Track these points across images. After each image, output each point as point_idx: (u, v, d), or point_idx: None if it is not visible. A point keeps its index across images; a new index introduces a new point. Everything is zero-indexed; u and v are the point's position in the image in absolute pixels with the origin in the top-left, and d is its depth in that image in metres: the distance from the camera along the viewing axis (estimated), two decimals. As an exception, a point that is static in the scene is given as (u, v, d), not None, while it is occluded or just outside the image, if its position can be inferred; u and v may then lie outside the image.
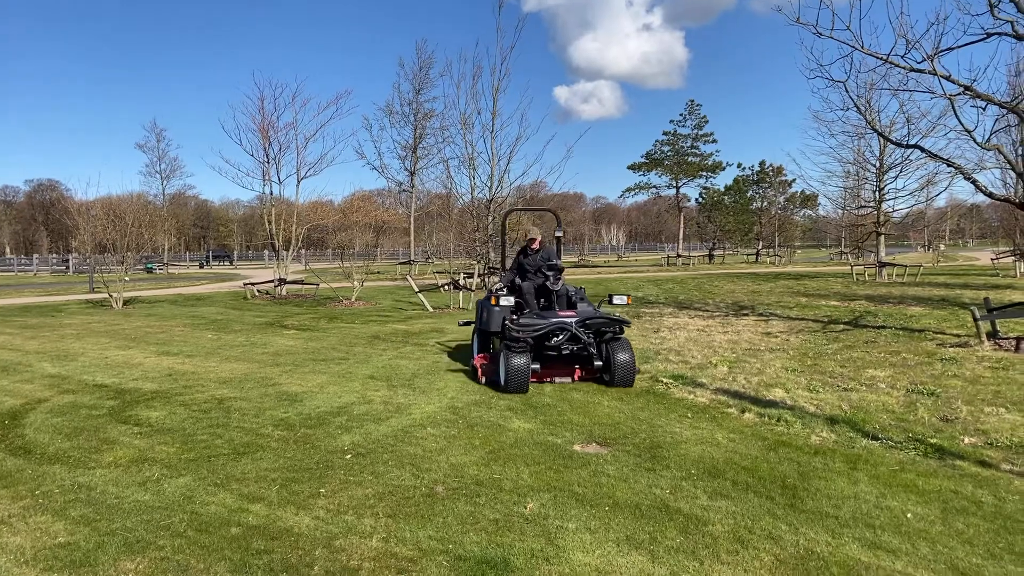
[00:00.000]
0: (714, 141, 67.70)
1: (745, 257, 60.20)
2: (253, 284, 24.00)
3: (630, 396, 7.67)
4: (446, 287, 19.89)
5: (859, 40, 10.89)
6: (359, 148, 52.96)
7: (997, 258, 35.68)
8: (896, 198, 30.35)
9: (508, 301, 8.42)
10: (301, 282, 24.11)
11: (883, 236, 30.41)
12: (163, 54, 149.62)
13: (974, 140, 10.80)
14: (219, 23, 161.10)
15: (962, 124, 10.95)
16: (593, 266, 53.50)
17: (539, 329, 7.82)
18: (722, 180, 68.07)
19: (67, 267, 53.48)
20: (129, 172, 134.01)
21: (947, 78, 10.33)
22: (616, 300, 8.75)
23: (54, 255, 71.14)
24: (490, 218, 27.75)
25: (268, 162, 24.21)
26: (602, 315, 8.21)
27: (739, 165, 66.94)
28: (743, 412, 6.94)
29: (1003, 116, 13.49)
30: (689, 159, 67.68)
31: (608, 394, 7.77)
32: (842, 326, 13.17)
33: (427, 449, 5.85)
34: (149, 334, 13.50)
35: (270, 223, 24.16)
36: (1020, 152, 21.79)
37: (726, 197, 65.98)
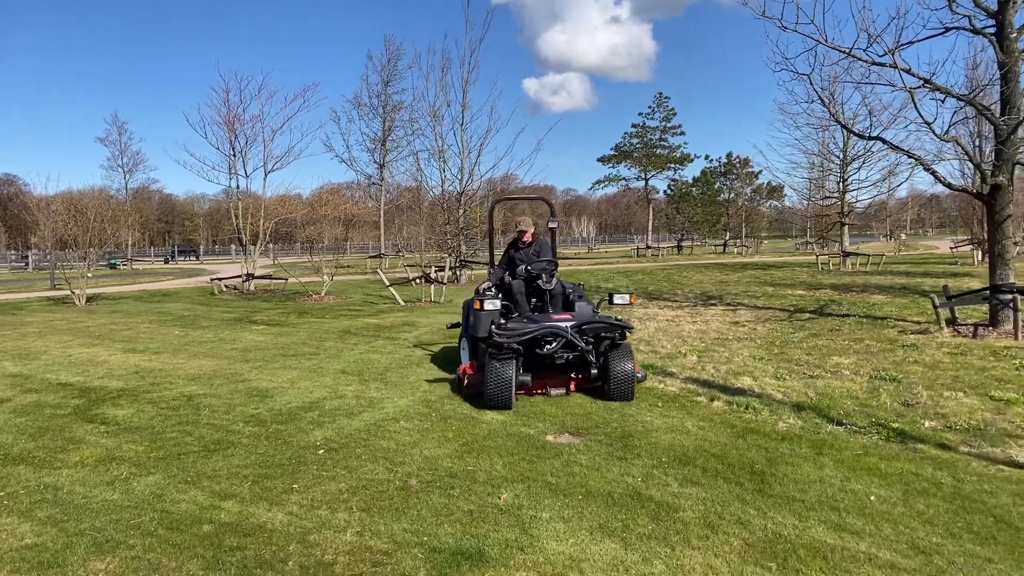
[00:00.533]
0: (682, 133, 68.44)
1: (713, 248, 60.93)
2: (220, 279, 23.65)
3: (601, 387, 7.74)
4: (417, 280, 19.82)
5: (823, 34, 11.08)
6: (327, 141, 52.46)
7: (956, 247, 36.61)
8: (859, 189, 30.99)
9: (493, 304, 7.45)
10: (269, 277, 23.83)
11: (847, 226, 31.01)
12: (125, 45, 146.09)
13: (933, 132, 11.06)
14: (182, 13, 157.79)
15: (922, 116, 11.21)
16: (564, 258, 53.72)
17: (527, 334, 6.86)
18: (690, 172, 69.00)
19: (27, 264, 52.16)
20: (90, 166, 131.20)
21: (907, 71, 10.56)
22: (617, 299, 7.70)
23: (13, 252, 69.25)
24: (461, 211, 27.71)
25: (234, 155, 23.86)
26: (602, 319, 7.22)
27: (707, 157, 67.87)
28: (712, 400, 7.05)
29: (961, 108, 13.85)
30: (658, 151, 68.25)
31: (580, 385, 7.82)
32: (808, 315, 13.43)
33: (400, 443, 5.86)
34: (114, 331, 13.24)
35: (237, 217, 23.82)
36: (977, 144, 22.36)
37: (694, 189, 66.74)
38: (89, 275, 21.03)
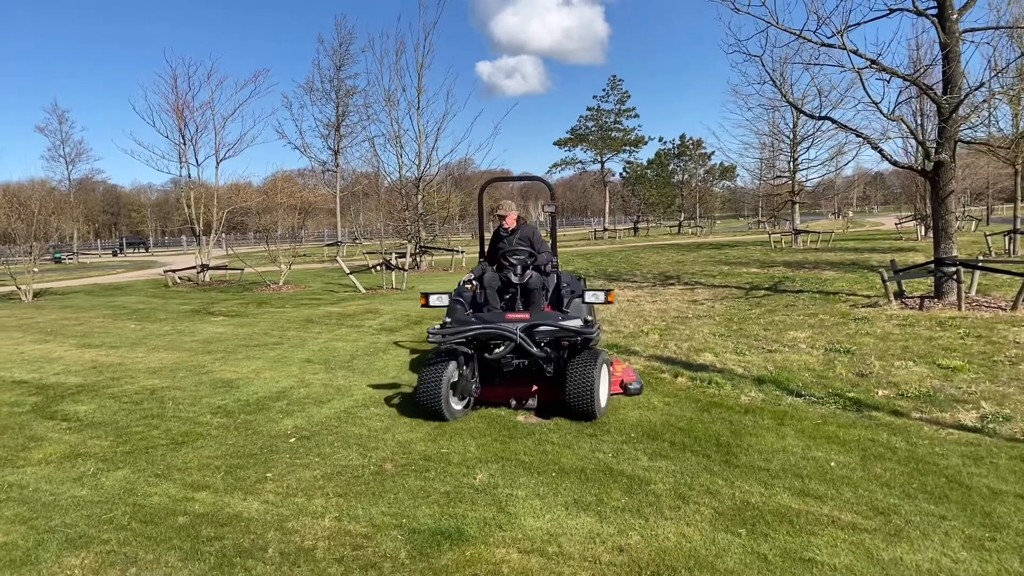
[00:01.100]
0: (636, 116, 69.14)
1: (668, 229, 61.81)
2: (174, 271, 23.11)
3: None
4: (378, 268, 19.68)
5: (774, 16, 11.30)
6: (279, 127, 51.21)
7: (900, 223, 37.84)
8: (809, 168, 31.89)
9: (440, 300, 6.58)
10: (225, 267, 23.37)
11: (797, 205, 31.80)
12: (61, 27, 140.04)
13: (880, 111, 11.41)
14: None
15: (869, 96, 11.56)
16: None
17: (462, 334, 5.98)
18: (645, 154, 69.74)
19: (-36, 260, 50.02)
20: (30, 157, 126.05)
21: (855, 52, 10.86)
22: (590, 297, 6.39)
23: (-52, 247, 66.27)
24: (419, 196, 27.53)
25: (184, 144, 23.25)
26: (554, 323, 6.12)
27: (660, 139, 68.62)
28: (676, 377, 7.23)
29: (906, 88, 14.28)
30: (612, 134, 68.77)
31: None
32: (763, 292, 13.78)
33: (372, 428, 5.88)
34: (66, 326, 12.87)
35: (189, 207, 23.25)
36: (920, 122, 23.10)
37: (649, 171, 67.47)
38: (35, 270, 20.34)
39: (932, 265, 11.43)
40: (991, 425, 5.35)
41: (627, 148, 69.76)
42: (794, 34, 11.29)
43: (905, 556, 3.51)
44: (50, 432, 6.08)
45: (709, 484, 4.47)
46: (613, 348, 8.69)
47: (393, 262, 19.86)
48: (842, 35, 10.76)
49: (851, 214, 66.20)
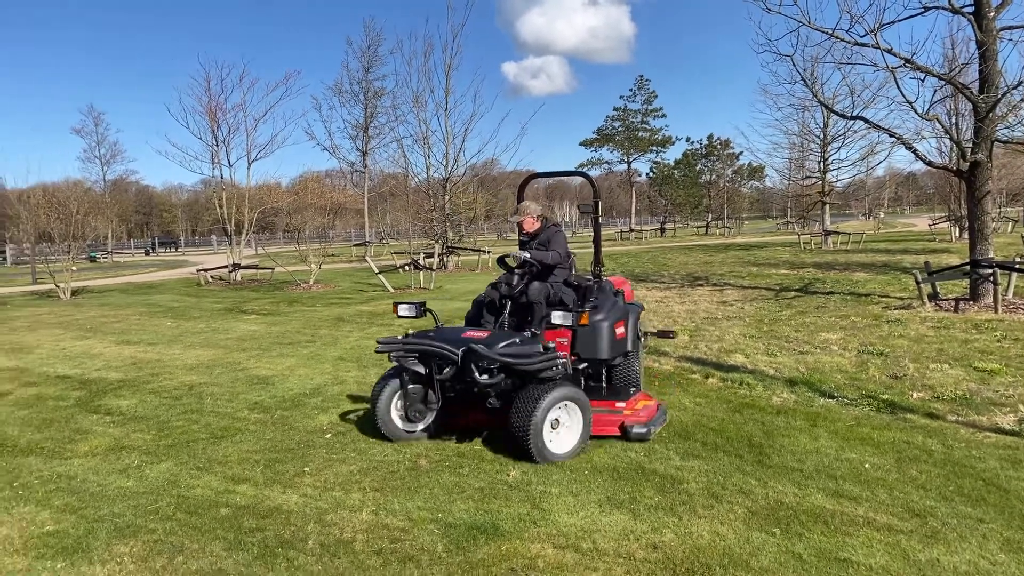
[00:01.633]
0: (663, 116, 68.82)
1: (695, 230, 61.39)
2: (206, 270, 23.53)
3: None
4: (406, 267, 19.86)
5: (806, 15, 11.22)
6: (309, 129, 51.87)
7: (934, 224, 37.19)
8: (839, 168, 31.31)
9: (409, 311, 6.05)
10: (256, 266, 23.73)
11: (827, 205, 31.40)
12: (98, 33, 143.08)
13: (915, 111, 11.27)
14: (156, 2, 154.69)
15: (903, 95, 11.42)
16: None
17: (405, 348, 5.28)
18: (672, 154, 69.18)
19: (4, 258, 51.37)
20: (66, 159, 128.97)
21: (889, 51, 10.74)
22: (557, 319, 5.42)
23: (-11, 246, 68.08)
24: (447, 197, 27.70)
25: (217, 145, 23.66)
26: (510, 351, 5.02)
27: (688, 139, 68.18)
28: (707, 377, 7.23)
29: (941, 87, 14.06)
30: (639, 134, 68.52)
31: (577, 366, 7.97)
32: (793, 293, 13.67)
33: (406, 425, 5.95)
34: (105, 324, 13.20)
35: (221, 207, 23.65)
36: (955, 122, 22.70)
37: (676, 171, 67.07)
38: (73, 268, 20.85)
39: (968, 267, 11.25)
40: (1030, 429, 5.28)
41: (654, 148, 69.48)
42: (826, 33, 11.20)
43: (942, 558, 3.50)
44: (95, 425, 6.27)
45: (742, 484, 4.49)
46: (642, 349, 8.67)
47: (421, 262, 20.02)
48: (875, 34, 10.65)
49: (882, 215, 65.15)
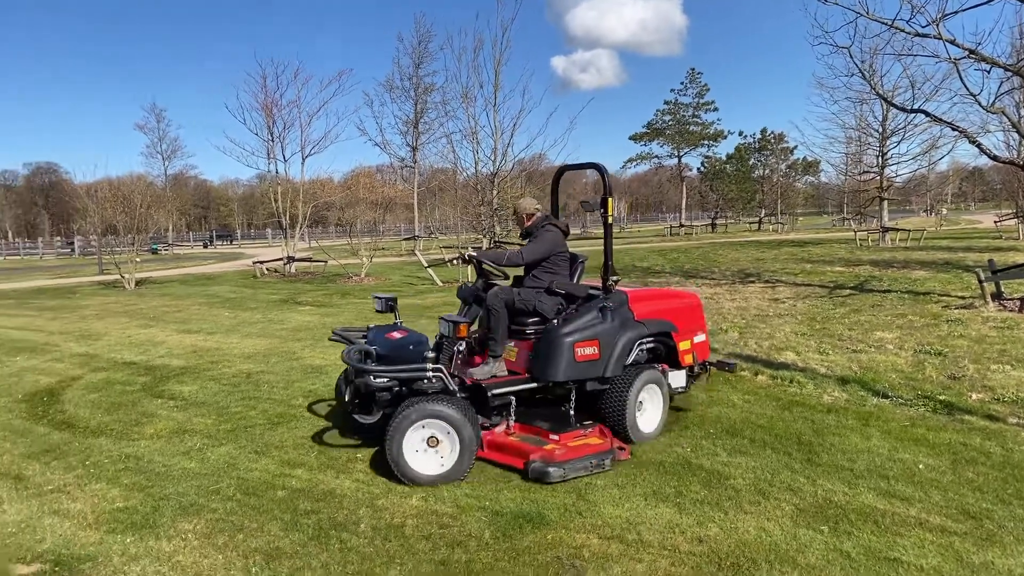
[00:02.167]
0: (715, 109, 67.55)
1: (747, 225, 60.24)
2: (262, 262, 24.19)
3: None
4: (454, 262, 20.06)
5: (864, 6, 10.93)
6: (361, 124, 52.64)
7: (1000, 221, 35.72)
8: (899, 163, 30.26)
9: (377, 304, 5.99)
10: (309, 259, 24.28)
11: (886, 201, 30.46)
12: (160, 30, 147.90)
13: (979, 104, 10.89)
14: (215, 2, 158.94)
15: (967, 88, 11.03)
16: (596, 238, 53.59)
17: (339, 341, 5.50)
18: (724, 149, 67.93)
19: (72, 250, 53.65)
20: (130, 153, 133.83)
21: (952, 42, 10.39)
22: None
23: (58, 238, 71.27)
24: (495, 191, 27.84)
25: (272, 140, 24.22)
26: (393, 366, 4.80)
27: (740, 133, 66.51)
28: (756, 375, 7.16)
29: (1008, 79, 13.52)
30: (690, 128, 67.50)
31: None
32: (848, 291, 13.35)
33: (454, 416, 6.07)
34: (167, 313, 13.72)
35: (276, 201, 24.25)
36: (1023, 114, 21.78)
37: (728, 166, 65.90)
38: (137, 260, 21.69)
39: (1034, 265, 10.82)
40: (1096, 433, 5.10)
41: (705, 142, 68.32)
42: (886, 24, 10.88)
43: (997, 560, 3.43)
44: (159, 409, 6.56)
45: (790, 481, 4.46)
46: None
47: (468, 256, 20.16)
48: (938, 24, 10.31)
49: (945, 211, 62.78)
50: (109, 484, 4.77)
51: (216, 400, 6.83)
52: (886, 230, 28.95)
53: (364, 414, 5.01)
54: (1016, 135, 22.31)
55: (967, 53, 10.48)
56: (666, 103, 67.73)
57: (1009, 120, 11.97)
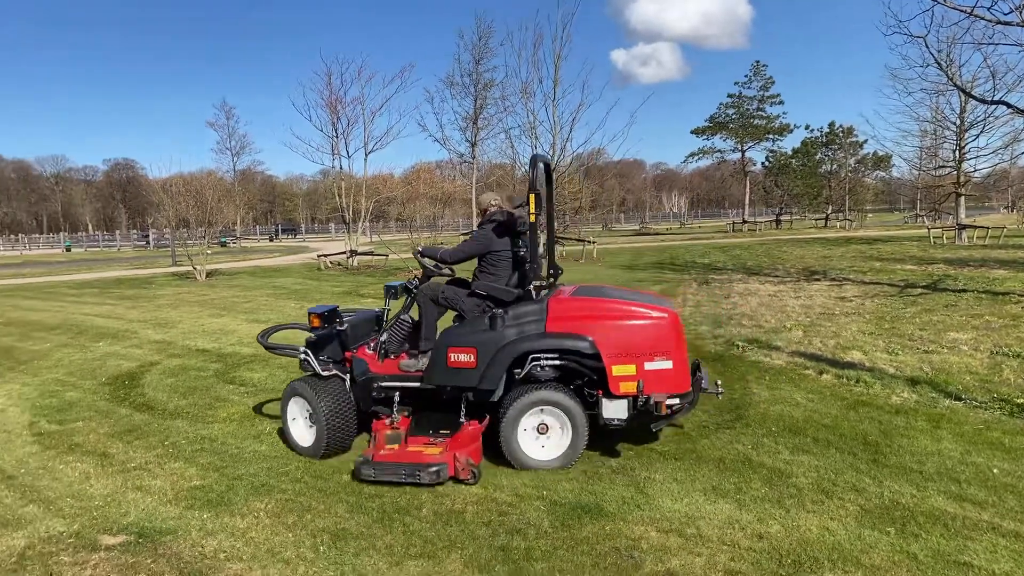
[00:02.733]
0: (781, 103, 65.78)
1: (813, 222, 58.49)
2: (325, 256, 24.82)
3: (706, 359, 7.81)
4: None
5: (942, -7, 10.50)
6: (421, 121, 53.43)
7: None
8: (977, 157, 28.87)
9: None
10: (371, 253, 24.79)
11: (963, 197, 29.15)
12: (229, 28, 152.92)
13: (1067, 94, 10.31)
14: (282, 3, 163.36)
15: (1054, 77, 10.47)
16: (655, 234, 52.95)
17: None
18: (789, 143, 65.94)
19: (147, 242, 56.06)
20: (202, 150, 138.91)
21: (1038, 29, 9.89)
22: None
23: (134, 231, 74.56)
24: (552, 187, 27.83)
25: (336, 137, 24.80)
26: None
27: (807, 127, 64.46)
28: (821, 374, 7.00)
29: (1099, 67, 12.76)
30: (755, 122, 65.93)
31: (683, 357, 7.92)
32: (920, 290, 12.87)
33: (513, 407, 6.14)
34: (236, 303, 14.25)
35: (340, 196, 24.84)
36: (1117, 105, 20.49)
37: (794, 160, 64.04)
38: (208, 252, 22.55)
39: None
40: None
41: (770, 136, 66.59)
42: (965, 12, 10.46)
43: (1076, 569, 3.30)
44: (231, 395, 6.85)
45: (855, 481, 4.37)
46: (753, 343, 8.48)
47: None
48: (1021, 11, 9.84)
49: (1028, 208, 59.61)
50: (186, 463, 5.03)
51: (283, 387, 7.07)
52: (963, 227, 27.71)
53: None
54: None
55: (1054, 41, 9.97)
56: (729, 96, 66.32)
57: (1100, 111, 11.28)
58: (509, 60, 55.64)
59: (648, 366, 4.68)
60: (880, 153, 59.85)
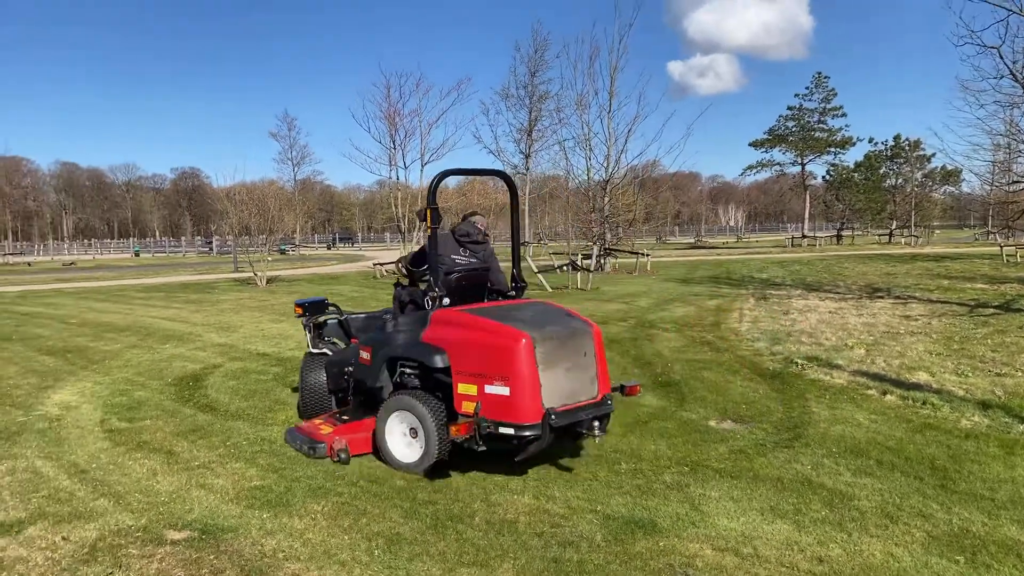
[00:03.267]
0: (843, 115, 64.06)
1: (877, 238, 56.71)
2: (382, 264, 25.25)
3: (763, 376, 7.65)
4: (564, 268, 20.15)
5: (1016, 3, 10.12)
6: (477, 133, 54.06)
7: None
8: (1056, 172, 27.56)
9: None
10: (425, 262, 25.09)
11: (1039, 214, 27.84)
12: (292, 41, 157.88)
13: None
14: (343, 13, 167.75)
15: None
16: (711, 247, 52.15)
17: None
18: (852, 156, 64.14)
19: (211, 248, 58.01)
20: (264, 160, 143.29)
21: (1124, 39, 9.42)
22: None
23: (198, 237, 77.20)
24: (606, 199, 27.72)
25: (394, 148, 25.31)
26: None
27: (871, 140, 62.53)
28: (884, 394, 6.78)
29: None
30: (815, 135, 64.40)
31: (740, 374, 7.78)
32: (991, 310, 12.35)
33: (565, 419, 6.13)
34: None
35: (396, 206, 25.28)
36: None
37: (856, 174, 62.20)
38: (269, 259, 23.21)
39: None
40: None
41: (832, 149, 64.91)
42: (1044, 21, 10.02)
43: None
44: (290, 398, 7.02)
45: (921, 507, 4.21)
46: (813, 360, 8.26)
47: (579, 263, 20.21)
48: (1107, 20, 9.39)
49: (1110, 226, 56.52)
50: (247, 464, 5.17)
51: (340, 392, 7.22)
52: (1038, 245, 26.44)
53: None
54: None
55: None
56: (789, 108, 64.94)
57: None
58: (565, 72, 55.22)
59: (488, 389, 4.55)
60: (949, 167, 57.65)
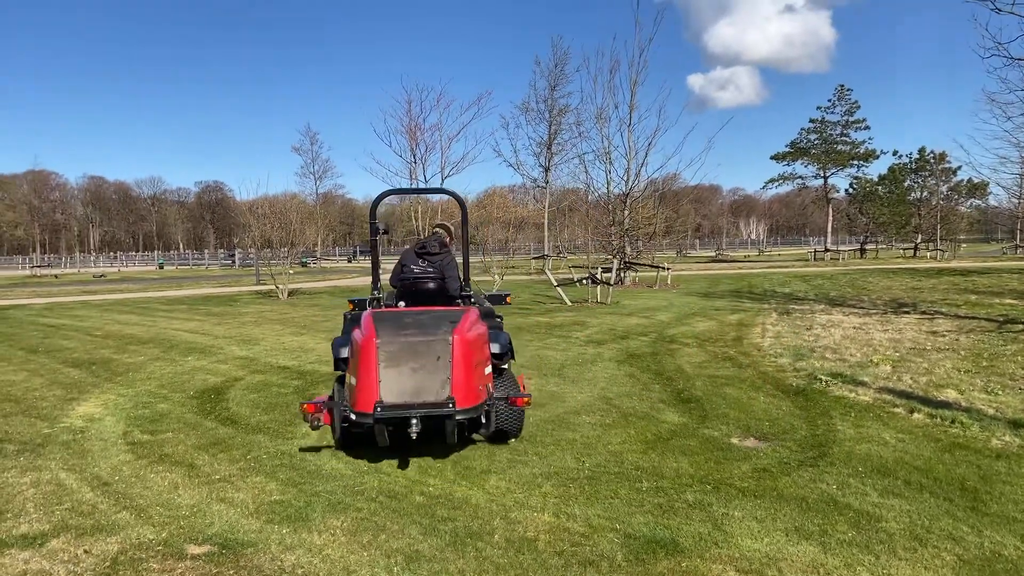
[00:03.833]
0: (867, 128, 63.72)
1: (901, 252, 56.00)
2: (400, 277, 25.33)
3: (787, 393, 7.55)
4: (583, 281, 20.09)
5: (1047, 13, 9.97)
6: (496, 146, 54.36)
7: None
8: (1086, 185, 27.08)
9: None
10: (444, 276, 25.16)
11: (1069, 228, 27.34)
12: (314, 56, 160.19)
13: None
14: (364, 28, 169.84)
15: None
16: (732, 261, 51.76)
17: None
18: (875, 169, 63.71)
19: (233, 261, 58.67)
20: (286, 173, 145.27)
21: None
22: None
23: (221, 250, 78.13)
24: (626, 212, 27.66)
25: (415, 162, 25.50)
26: None
27: (895, 152, 62.05)
28: (911, 412, 6.64)
29: None
30: (838, 147, 64.05)
31: (763, 390, 7.68)
32: (1021, 326, 12.10)
33: (585, 436, 6.10)
34: (316, 322, 14.70)
35: (416, 220, 25.41)
36: None
37: (880, 187, 61.65)
38: (291, 272, 23.41)
39: None
40: None
41: (855, 162, 64.45)
42: (1073, 33, 9.86)
43: None
44: (310, 412, 7.03)
45: (951, 529, 4.11)
46: (837, 377, 8.14)
47: (598, 277, 20.15)
48: None
49: None
50: (267, 478, 5.18)
51: (360, 406, 7.22)
52: (1068, 259, 25.95)
53: None
54: None
55: None
56: (812, 121, 64.70)
57: None
58: (585, 86, 55.74)
59: (349, 379, 5.35)
60: (976, 180, 56.94)
